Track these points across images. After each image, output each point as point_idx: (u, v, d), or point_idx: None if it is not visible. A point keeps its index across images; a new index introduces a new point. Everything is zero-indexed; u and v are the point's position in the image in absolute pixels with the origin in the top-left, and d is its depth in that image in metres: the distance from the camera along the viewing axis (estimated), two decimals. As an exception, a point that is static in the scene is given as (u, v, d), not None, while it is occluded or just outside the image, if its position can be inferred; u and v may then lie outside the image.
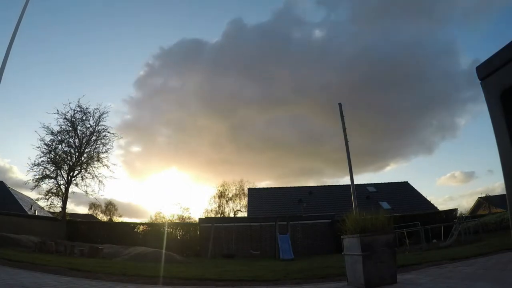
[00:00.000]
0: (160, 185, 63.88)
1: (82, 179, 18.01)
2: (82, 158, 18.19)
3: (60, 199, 17.55)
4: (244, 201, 36.65)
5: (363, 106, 46.47)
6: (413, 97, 49.98)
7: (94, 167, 18.40)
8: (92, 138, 18.54)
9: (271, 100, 52.98)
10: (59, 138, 17.79)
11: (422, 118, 51.00)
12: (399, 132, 53.08)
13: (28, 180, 17.05)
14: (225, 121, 55.17)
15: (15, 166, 60.48)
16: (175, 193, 71.36)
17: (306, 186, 30.01)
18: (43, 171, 17.24)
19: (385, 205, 23.04)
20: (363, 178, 65.51)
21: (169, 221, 31.82)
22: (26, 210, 24.26)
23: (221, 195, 40.28)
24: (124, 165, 64.37)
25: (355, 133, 45.64)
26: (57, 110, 17.90)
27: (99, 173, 18.42)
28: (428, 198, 25.95)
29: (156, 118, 58.26)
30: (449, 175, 65.32)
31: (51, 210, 18.84)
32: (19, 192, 27.45)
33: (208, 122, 55.30)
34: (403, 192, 26.55)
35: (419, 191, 26.97)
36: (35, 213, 24.13)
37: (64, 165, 17.65)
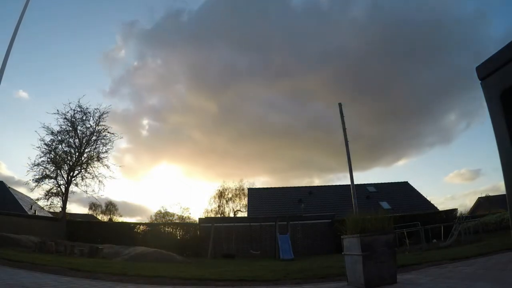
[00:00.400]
0: (153, 181, 61.70)
1: (82, 179, 18.02)
2: (82, 158, 18.20)
3: (60, 199, 17.57)
4: (244, 201, 36.65)
5: (374, 85, 39.92)
6: (433, 73, 41.19)
7: (94, 167, 18.43)
8: (92, 138, 18.55)
9: (268, 74, 45.21)
10: (59, 138, 17.80)
11: (443, 100, 43.02)
12: (415, 117, 44.60)
13: (28, 180, 17.08)
14: (215, 106, 48.34)
15: (4, 163, 59.54)
16: (169, 189, 68.80)
17: (306, 186, 30.06)
18: (43, 171, 17.26)
19: (385, 205, 23.04)
20: (372, 173, 58.31)
21: (169, 221, 31.87)
22: (26, 210, 24.24)
23: (221, 195, 40.31)
24: (115, 162, 62.90)
25: (363, 120, 39.61)
26: (57, 110, 17.93)
27: (99, 173, 18.45)
28: (428, 198, 26.00)
29: (137, 106, 52.37)
30: (455, 173, 63.77)
31: (51, 210, 18.85)
32: (19, 192, 27.44)
33: (196, 107, 48.63)
34: (403, 192, 26.56)
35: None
36: (35, 213, 24.11)
37: (64, 165, 17.65)
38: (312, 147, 47.35)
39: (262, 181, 65.05)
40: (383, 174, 59.55)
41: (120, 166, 32.35)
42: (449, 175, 64.35)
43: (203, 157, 53.63)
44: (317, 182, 62.62)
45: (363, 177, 59.10)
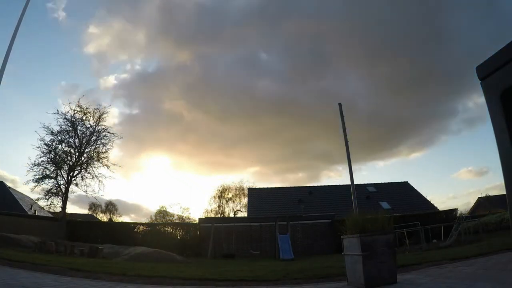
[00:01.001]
0: (144, 176, 59.23)
1: (82, 179, 18.05)
2: (82, 158, 18.22)
3: (60, 199, 17.58)
4: (244, 201, 36.62)
5: (402, 42, 32.10)
6: (475, 28, 32.64)
7: (94, 167, 18.45)
8: (92, 138, 18.58)
9: (265, 19, 34.00)
10: (59, 138, 17.83)
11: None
12: (447, 87, 35.63)
13: (28, 180, 17.09)
14: (196, 67, 38.70)
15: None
16: (162, 185, 66.65)
17: (306, 186, 30.07)
18: (43, 171, 17.28)
19: (385, 205, 23.06)
20: (386, 167, 54.85)
21: (169, 221, 31.87)
22: (26, 210, 24.24)
23: (221, 195, 40.30)
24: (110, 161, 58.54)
25: (384, 95, 33.22)
26: (57, 110, 17.97)
27: (99, 173, 18.47)
28: (429, 198, 26.09)
29: (101, 83, 43.98)
30: (463, 170, 62.03)
31: (51, 210, 18.85)
32: (19, 192, 27.44)
33: (174, 69, 39.95)
34: (403, 192, 26.58)
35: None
36: (35, 213, 24.10)
37: (64, 165, 17.67)
38: (317, 131, 38.28)
39: (252, 170, 57.25)
40: (399, 166, 56.43)
41: (120, 166, 32.20)
42: (455, 174, 63.07)
43: (186, 143, 46.60)
44: (323, 174, 56.24)
45: (376, 170, 55.13)
